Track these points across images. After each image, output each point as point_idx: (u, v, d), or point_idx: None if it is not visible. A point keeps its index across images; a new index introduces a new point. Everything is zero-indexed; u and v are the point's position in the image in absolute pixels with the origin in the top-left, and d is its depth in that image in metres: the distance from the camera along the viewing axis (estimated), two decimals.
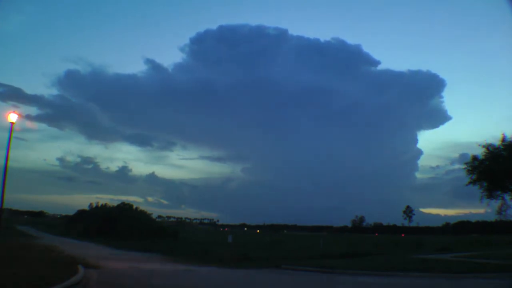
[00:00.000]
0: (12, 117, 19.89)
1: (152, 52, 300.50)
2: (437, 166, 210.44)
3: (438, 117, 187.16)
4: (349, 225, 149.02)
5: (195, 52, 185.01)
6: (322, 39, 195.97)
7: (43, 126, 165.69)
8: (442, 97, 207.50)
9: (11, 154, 20.08)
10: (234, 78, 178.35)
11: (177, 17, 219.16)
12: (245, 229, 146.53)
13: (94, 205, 59.32)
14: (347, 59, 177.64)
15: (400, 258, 21.90)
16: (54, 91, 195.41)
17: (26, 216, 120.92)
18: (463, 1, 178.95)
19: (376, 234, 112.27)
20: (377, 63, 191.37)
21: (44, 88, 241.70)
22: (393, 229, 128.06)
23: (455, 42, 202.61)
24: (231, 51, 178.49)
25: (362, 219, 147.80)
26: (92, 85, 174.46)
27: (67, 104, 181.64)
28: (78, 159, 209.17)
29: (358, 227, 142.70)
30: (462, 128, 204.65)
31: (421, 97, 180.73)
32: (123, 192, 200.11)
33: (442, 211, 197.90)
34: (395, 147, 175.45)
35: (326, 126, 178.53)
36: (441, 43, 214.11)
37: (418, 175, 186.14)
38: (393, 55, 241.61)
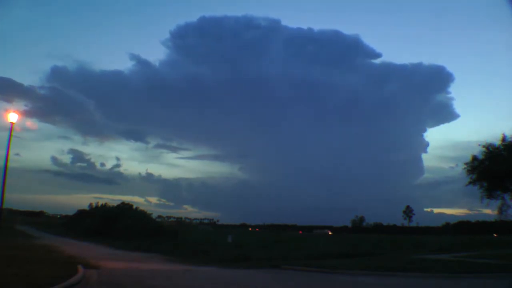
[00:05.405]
0: (12, 117, 19.87)
1: (135, 47, 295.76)
2: (441, 165, 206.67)
3: (445, 114, 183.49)
4: (349, 225, 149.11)
5: (179, 47, 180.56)
6: (316, 29, 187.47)
7: (34, 121, 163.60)
8: (449, 92, 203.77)
9: (10, 153, 20.08)
10: (227, 74, 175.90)
11: (158, 10, 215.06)
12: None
13: (94, 205, 59.48)
14: (344, 51, 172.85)
15: (400, 258, 21.89)
16: (42, 89, 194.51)
17: (25, 216, 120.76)
18: None
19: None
20: (377, 55, 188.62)
21: (32, 84, 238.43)
22: (393, 229, 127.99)
23: (462, 36, 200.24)
24: (220, 45, 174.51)
25: (362, 219, 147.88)
26: (83, 82, 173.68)
27: (58, 100, 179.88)
28: (74, 158, 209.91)
29: (358, 227, 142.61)
30: (470, 126, 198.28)
31: (425, 91, 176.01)
32: (123, 192, 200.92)
33: (445, 211, 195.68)
34: (397, 144, 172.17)
35: (326, 122, 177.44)
36: (448, 37, 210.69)
37: (420, 174, 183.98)
38: (395, 47, 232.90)
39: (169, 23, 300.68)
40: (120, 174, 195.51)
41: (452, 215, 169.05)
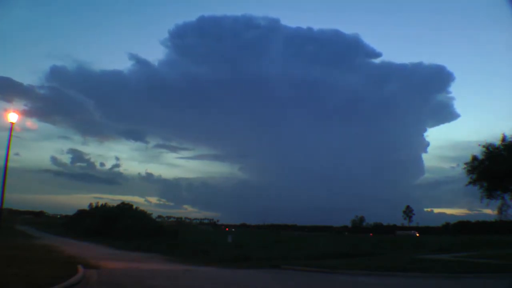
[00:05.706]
0: (12, 117, 19.86)
1: (134, 47, 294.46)
2: (441, 165, 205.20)
3: (445, 114, 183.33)
4: (349, 225, 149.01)
5: (178, 47, 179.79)
6: (316, 29, 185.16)
7: (33, 121, 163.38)
8: (449, 92, 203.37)
9: (10, 153, 20.07)
10: (227, 74, 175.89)
11: (157, 9, 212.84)
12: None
13: (94, 205, 59.53)
14: (344, 51, 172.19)
15: (400, 258, 21.89)
16: (41, 88, 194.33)
17: (25, 216, 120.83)
18: None
19: (371, 235, 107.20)
20: (377, 55, 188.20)
21: (31, 84, 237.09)
22: (393, 229, 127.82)
23: (462, 36, 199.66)
24: (219, 44, 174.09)
25: (362, 219, 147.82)
26: (83, 81, 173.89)
27: (57, 100, 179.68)
28: (74, 158, 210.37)
29: (358, 227, 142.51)
30: (470, 126, 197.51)
31: (425, 91, 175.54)
32: (123, 192, 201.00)
33: (445, 211, 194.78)
34: (397, 144, 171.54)
35: (326, 122, 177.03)
36: (448, 37, 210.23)
37: (420, 174, 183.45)
38: (395, 47, 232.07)
39: (168, 23, 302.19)
40: (120, 174, 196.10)
41: (452, 215, 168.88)
